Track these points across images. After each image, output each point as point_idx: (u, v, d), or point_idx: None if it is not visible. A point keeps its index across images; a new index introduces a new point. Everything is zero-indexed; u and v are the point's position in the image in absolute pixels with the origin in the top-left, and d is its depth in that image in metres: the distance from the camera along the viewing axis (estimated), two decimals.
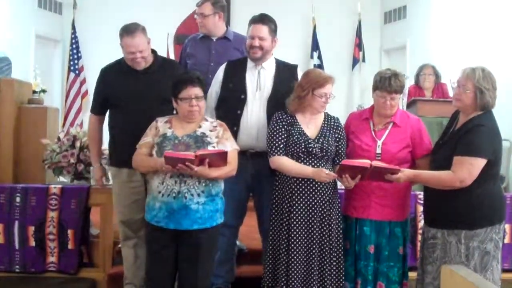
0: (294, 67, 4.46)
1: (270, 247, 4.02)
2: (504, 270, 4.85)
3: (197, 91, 3.74)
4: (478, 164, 3.50)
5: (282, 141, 3.95)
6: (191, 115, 3.77)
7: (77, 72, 9.24)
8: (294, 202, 3.91)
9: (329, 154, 3.93)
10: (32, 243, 4.83)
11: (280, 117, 4.00)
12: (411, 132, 3.96)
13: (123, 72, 4.30)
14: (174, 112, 3.93)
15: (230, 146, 3.80)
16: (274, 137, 3.96)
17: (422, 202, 4.53)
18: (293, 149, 3.91)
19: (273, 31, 4.34)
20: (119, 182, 4.40)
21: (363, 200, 3.94)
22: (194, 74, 3.92)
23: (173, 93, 3.79)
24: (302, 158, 3.90)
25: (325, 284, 3.91)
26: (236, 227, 4.52)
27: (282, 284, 3.91)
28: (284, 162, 3.92)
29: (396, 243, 3.95)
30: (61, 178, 5.22)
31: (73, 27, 9.23)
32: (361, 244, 3.95)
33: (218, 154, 3.62)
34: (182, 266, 3.76)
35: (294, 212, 3.90)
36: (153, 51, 4.43)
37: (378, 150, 3.91)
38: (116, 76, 4.34)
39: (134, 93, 4.21)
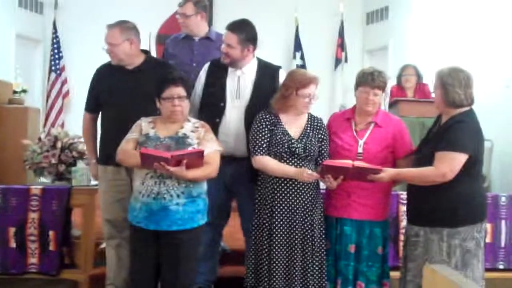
0: (276, 69, 4.42)
1: (253, 247, 4.02)
2: (486, 269, 4.88)
3: (179, 90, 3.73)
4: (459, 158, 3.53)
5: (265, 141, 3.94)
6: (174, 115, 3.75)
7: (58, 72, 9.17)
8: (276, 203, 3.91)
9: (312, 154, 3.93)
10: (13, 244, 4.78)
11: (264, 117, 3.99)
12: (393, 132, 3.98)
13: (114, 71, 4.33)
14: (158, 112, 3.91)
15: (211, 147, 3.77)
16: (257, 137, 3.96)
17: (404, 202, 4.55)
18: (276, 149, 3.90)
19: (246, 40, 4.22)
20: (105, 180, 4.39)
21: (343, 199, 3.96)
22: (178, 74, 3.91)
23: (156, 93, 3.78)
24: (285, 158, 3.90)
25: (308, 284, 3.91)
26: (219, 225, 4.51)
27: (265, 284, 3.91)
28: (266, 162, 3.92)
29: (375, 243, 3.97)
30: (42, 179, 5.17)
31: (54, 27, 9.17)
32: (341, 244, 3.96)
33: (194, 154, 3.61)
34: (163, 267, 3.76)
35: (276, 213, 3.90)
36: (146, 52, 4.49)
37: (360, 150, 3.93)
38: (107, 74, 4.38)
39: (122, 91, 4.23)
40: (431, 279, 2.41)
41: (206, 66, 4.47)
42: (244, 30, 4.24)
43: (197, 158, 3.61)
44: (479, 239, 3.65)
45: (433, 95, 6.40)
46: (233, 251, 5.12)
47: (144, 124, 3.82)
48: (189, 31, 5.00)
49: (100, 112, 4.47)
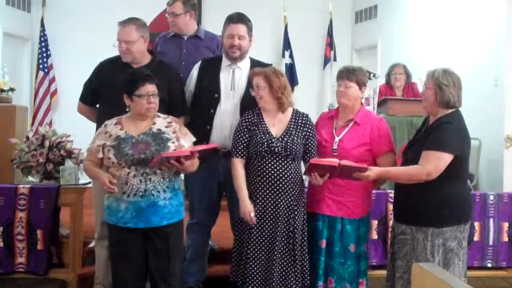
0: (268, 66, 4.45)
1: (236, 244, 4.03)
2: (474, 268, 4.93)
3: (153, 88, 3.75)
4: (444, 158, 3.56)
5: (242, 142, 3.98)
6: (148, 112, 3.77)
7: (46, 70, 9.13)
8: (259, 200, 3.90)
9: (294, 153, 3.92)
10: (0, 243, 4.75)
11: (246, 117, 4.03)
12: (370, 130, 4.01)
13: (119, 67, 4.30)
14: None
15: (190, 141, 3.85)
16: (236, 139, 4.01)
17: (392, 200, 4.56)
18: (256, 148, 3.91)
19: (250, 30, 4.35)
20: None
21: (317, 195, 4.00)
22: (147, 71, 3.91)
23: (128, 90, 3.75)
24: (266, 158, 3.90)
25: (289, 282, 3.90)
26: (209, 225, 4.52)
27: (247, 280, 3.91)
28: (235, 167, 3.98)
29: (346, 240, 3.98)
30: (30, 178, 5.14)
31: (42, 25, 9.13)
32: (314, 239, 4.00)
33: (208, 150, 3.83)
34: (153, 263, 3.77)
35: (260, 210, 3.90)
36: (152, 53, 4.48)
37: (335, 146, 3.97)
38: (111, 70, 4.34)
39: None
40: (420, 277, 2.42)
41: (198, 63, 4.49)
42: (248, 20, 4.37)
43: (206, 154, 3.81)
44: (461, 239, 3.70)
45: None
46: (222, 250, 5.11)
47: (110, 128, 3.78)
48: (178, 29, 4.99)
49: (99, 109, 4.44)
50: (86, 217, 5.00)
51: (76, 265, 4.86)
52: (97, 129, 4.39)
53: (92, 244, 4.92)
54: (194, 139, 3.91)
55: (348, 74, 4.00)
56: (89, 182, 4.75)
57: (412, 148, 3.82)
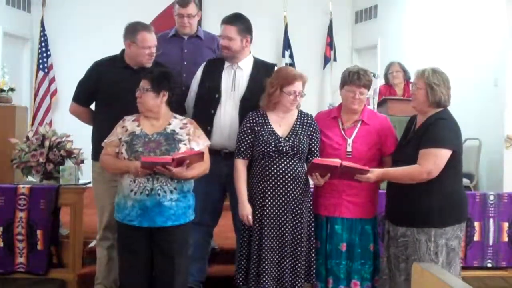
0: (272, 66, 4.46)
1: (243, 245, 4.01)
2: (474, 268, 4.93)
3: (144, 83, 3.79)
4: (442, 154, 3.58)
5: (245, 143, 3.99)
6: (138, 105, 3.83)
7: (46, 70, 9.11)
8: (266, 201, 3.91)
9: (301, 152, 3.93)
10: (0, 243, 4.75)
11: (250, 118, 4.02)
12: (379, 129, 4.01)
13: (119, 68, 4.30)
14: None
15: (203, 144, 3.83)
16: (239, 140, 4.02)
17: None
18: (263, 149, 3.91)
19: (244, 30, 4.30)
20: (104, 182, 4.31)
21: (334, 198, 3.96)
22: (166, 69, 3.99)
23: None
24: (274, 158, 3.90)
25: (297, 282, 3.91)
26: (211, 225, 4.52)
27: (253, 281, 3.91)
28: (236, 169, 4.00)
29: (367, 240, 3.98)
30: (30, 178, 5.14)
31: (42, 25, 9.11)
32: (332, 243, 3.96)
33: (195, 155, 3.68)
34: (158, 264, 3.78)
35: (266, 211, 3.90)
36: None
37: (349, 148, 3.94)
38: (110, 71, 4.32)
39: (127, 90, 4.09)
40: (420, 277, 2.42)
41: (203, 64, 4.49)
42: (241, 21, 4.32)
43: (197, 159, 3.70)
44: (460, 238, 3.74)
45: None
46: (223, 250, 5.12)
47: (128, 123, 3.83)
48: (190, 30, 4.97)
49: (97, 109, 4.43)
50: (86, 217, 5.00)
51: (76, 265, 4.86)
52: (93, 130, 4.40)
53: (92, 244, 4.92)
54: (208, 143, 3.92)
55: (365, 82, 3.93)
56: (89, 182, 4.75)
57: (404, 148, 3.82)
